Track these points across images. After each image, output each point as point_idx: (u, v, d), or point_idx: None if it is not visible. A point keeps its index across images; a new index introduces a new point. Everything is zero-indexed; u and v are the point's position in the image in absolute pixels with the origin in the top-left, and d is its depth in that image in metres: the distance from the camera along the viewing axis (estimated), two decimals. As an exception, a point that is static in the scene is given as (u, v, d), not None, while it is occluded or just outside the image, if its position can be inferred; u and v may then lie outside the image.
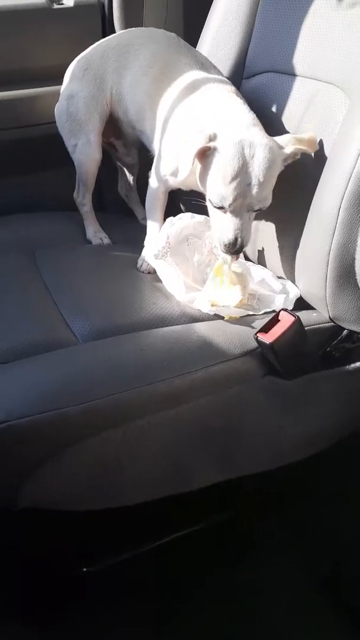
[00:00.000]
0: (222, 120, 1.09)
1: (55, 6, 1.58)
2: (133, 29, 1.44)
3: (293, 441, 1.15)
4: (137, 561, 1.22)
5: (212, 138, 1.04)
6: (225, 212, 1.06)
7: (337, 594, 1.17)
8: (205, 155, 1.06)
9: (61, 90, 1.42)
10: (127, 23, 1.58)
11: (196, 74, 1.22)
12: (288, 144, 1.06)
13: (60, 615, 1.13)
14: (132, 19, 1.58)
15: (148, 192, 1.31)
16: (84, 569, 1.19)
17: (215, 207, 1.06)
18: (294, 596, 1.16)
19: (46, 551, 1.19)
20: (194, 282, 1.19)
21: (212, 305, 1.10)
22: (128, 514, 1.05)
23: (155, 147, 1.29)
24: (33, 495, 0.95)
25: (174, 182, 1.25)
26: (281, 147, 1.06)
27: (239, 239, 1.05)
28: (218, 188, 1.04)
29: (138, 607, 1.15)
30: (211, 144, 1.04)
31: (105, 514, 1.02)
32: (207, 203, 1.10)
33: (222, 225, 1.07)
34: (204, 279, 1.17)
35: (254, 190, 1.03)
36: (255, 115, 1.12)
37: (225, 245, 1.06)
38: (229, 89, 1.19)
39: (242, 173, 1.02)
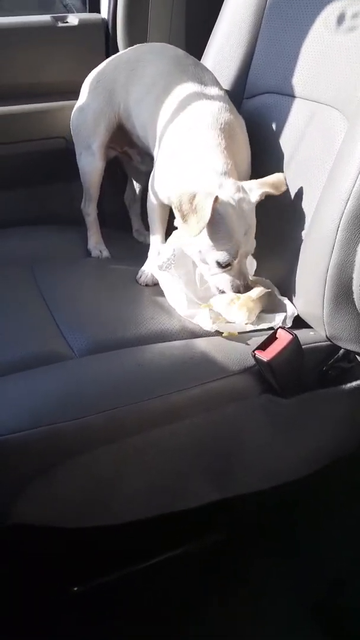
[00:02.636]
0: (201, 174, 1.12)
1: (60, 24, 1.60)
2: (147, 43, 1.46)
3: (288, 460, 1.14)
4: (127, 581, 1.19)
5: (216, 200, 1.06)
6: (230, 269, 1.11)
7: (329, 620, 1.15)
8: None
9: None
10: (131, 42, 1.60)
11: (194, 98, 1.22)
12: (253, 189, 1.12)
13: (48, 637, 1.10)
14: (136, 38, 1.60)
15: (147, 204, 1.33)
16: (75, 589, 1.17)
17: (221, 266, 1.11)
18: (286, 622, 1.14)
19: (35, 569, 1.16)
20: (195, 296, 1.19)
21: (215, 318, 1.10)
22: (119, 531, 1.03)
23: (155, 162, 1.30)
24: (23, 511, 0.93)
25: (165, 199, 1.26)
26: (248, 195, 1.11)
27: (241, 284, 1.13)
28: (225, 246, 1.09)
29: (127, 628, 1.12)
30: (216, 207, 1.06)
31: (96, 531, 1.00)
32: (206, 265, 1.13)
33: (222, 280, 1.13)
34: (206, 295, 1.17)
35: (250, 238, 1.11)
36: (226, 157, 1.13)
37: (234, 292, 1.13)
38: (218, 122, 1.16)
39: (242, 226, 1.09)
